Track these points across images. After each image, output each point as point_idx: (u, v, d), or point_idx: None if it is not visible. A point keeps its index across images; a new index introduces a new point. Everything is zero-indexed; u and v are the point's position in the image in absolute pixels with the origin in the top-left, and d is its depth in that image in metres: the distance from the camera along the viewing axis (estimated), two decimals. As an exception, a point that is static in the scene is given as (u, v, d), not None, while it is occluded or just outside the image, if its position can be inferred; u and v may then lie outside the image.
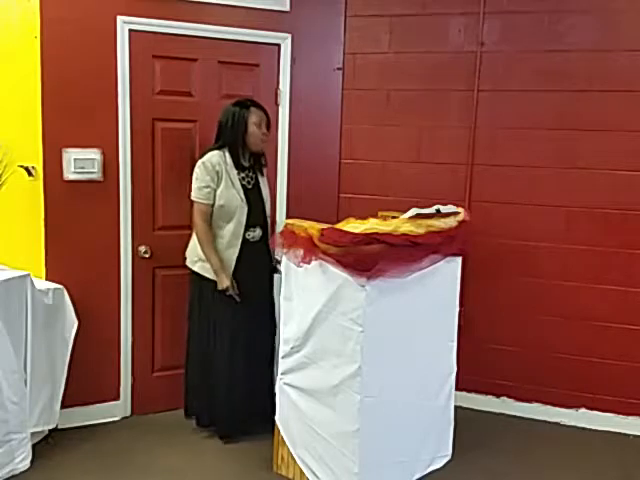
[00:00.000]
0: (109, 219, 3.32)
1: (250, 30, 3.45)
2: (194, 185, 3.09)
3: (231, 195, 3.08)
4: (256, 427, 3.25)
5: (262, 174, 3.26)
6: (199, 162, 3.09)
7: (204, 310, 3.18)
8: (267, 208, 3.24)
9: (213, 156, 3.08)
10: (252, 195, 3.16)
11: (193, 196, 3.09)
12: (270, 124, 3.20)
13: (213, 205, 3.08)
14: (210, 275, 3.11)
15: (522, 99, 3.52)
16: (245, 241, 3.12)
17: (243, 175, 3.15)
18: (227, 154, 3.10)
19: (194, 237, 3.18)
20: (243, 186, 3.13)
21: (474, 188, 3.64)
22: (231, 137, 3.10)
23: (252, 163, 3.21)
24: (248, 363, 3.18)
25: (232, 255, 3.11)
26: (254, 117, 3.09)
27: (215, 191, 3.06)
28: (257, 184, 3.22)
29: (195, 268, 3.17)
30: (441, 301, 2.98)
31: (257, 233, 3.16)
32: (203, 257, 3.12)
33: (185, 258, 3.25)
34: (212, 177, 3.05)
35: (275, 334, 3.21)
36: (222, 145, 3.11)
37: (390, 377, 2.74)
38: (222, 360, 3.15)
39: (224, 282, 3.05)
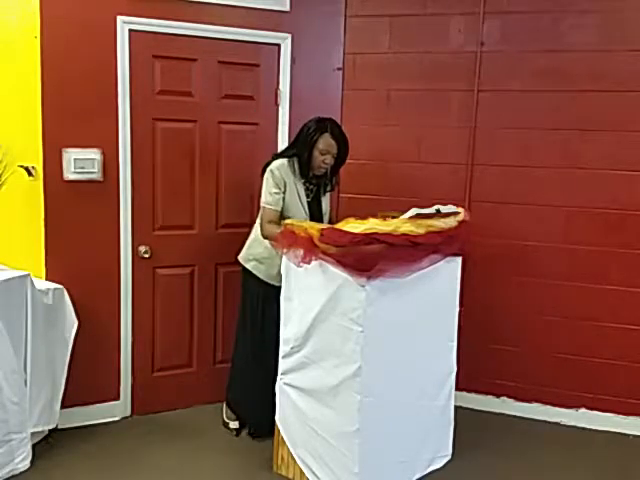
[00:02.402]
0: (109, 219, 3.32)
1: (250, 30, 3.45)
2: (264, 191, 3.08)
3: (295, 206, 3.09)
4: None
5: (323, 194, 3.24)
6: (268, 169, 3.08)
7: (255, 310, 3.21)
8: (324, 221, 3.22)
9: (282, 165, 3.07)
10: (312, 207, 3.17)
11: (263, 202, 3.07)
12: (342, 154, 3.10)
13: (281, 212, 3.08)
14: (263, 276, 3.16)
15: (522, 99, 3.52)
16: None
17: (305, 186, 3.15)
18: (296, 164, 3.09)
19: (252, 236, 3.22)
20: (305, 197, 3.15)
21: (474, 188, 3.64)
22: (299, 151, 3.09)
23: (316, 177, 3.18)
24: None
25: None
26: (321, 144, 3.04)
27: (284, 199, 3.07)
28: (317, 197, 3.22)
29: (248, 266, 3.20)
30: (441, 301, 2.98)
31: None
32: (258, 257, 3.16)
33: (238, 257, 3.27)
34: (280, 187, 3.05)
35: None
36: (293, 154, 3.10)
37: (390, 377, 2.74)
38: (271, 359, 3.13)
39: None
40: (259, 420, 3.28)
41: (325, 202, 3.26)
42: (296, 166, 3.09)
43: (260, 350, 3.23)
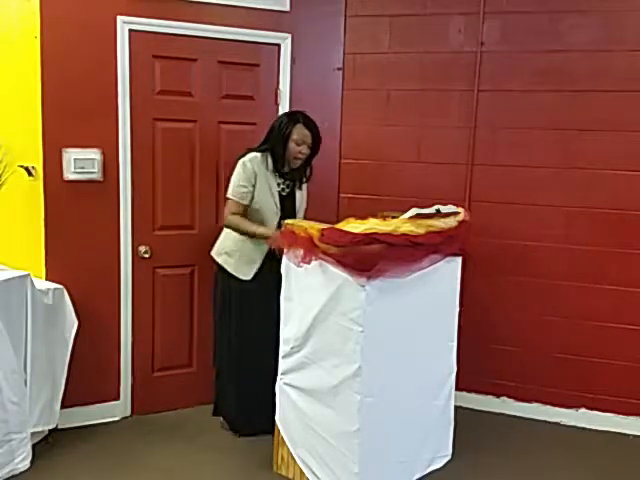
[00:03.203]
0: (109, 219, 3.32)
1: (250, 30, 3.45)
2: (232, 183, 3.09)
3: (266, 201, 3.10)
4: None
5: (299, 187, 3.26)
6: (240, 161, 3.10)
7: (227, 305, 3.20)
8: (299, 217, 3.22)
9: (254, 158, 3.08)
10: (286, 203, 3.18)
11: (229, 193, 3.10)
12: (315, 144, 3.14)
13: (248, 206, 3.09)
14: (232, 270, 3.15)
15: (522, 99, 3.52)
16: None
17: (280, 181, 3.16)
18: (269, 158, 3.11)
19: (224, 231, 3.22)
20: (278, 192, 3.15)
21: (474, 188, 3.64)
22: (273, 145, 3.10)
23: (290, 172, 3.19)
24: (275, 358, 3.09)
25: (259, 256, 3.10)
26: (295, 134, 3.07)
27: (253, 193, 3.08)
28: (292, 192, 3.22)
29: (219, 260, 3.20)
30: (441, 301, 2.98)
31: None
32: (229, 250, 3.16)
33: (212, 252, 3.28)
34: (250, 179, 3.06)
35: None
36: (267, 149, 3.12)
37: (390, 377, 2.74)
38: (249, 356, 3.14)
39: (269, 234, 2.98)
40: (250, 423, 3.26)
41: (300, 197, 3.26)
42: (269, 161, 3.10)
43: (241, 350, 3.20)
